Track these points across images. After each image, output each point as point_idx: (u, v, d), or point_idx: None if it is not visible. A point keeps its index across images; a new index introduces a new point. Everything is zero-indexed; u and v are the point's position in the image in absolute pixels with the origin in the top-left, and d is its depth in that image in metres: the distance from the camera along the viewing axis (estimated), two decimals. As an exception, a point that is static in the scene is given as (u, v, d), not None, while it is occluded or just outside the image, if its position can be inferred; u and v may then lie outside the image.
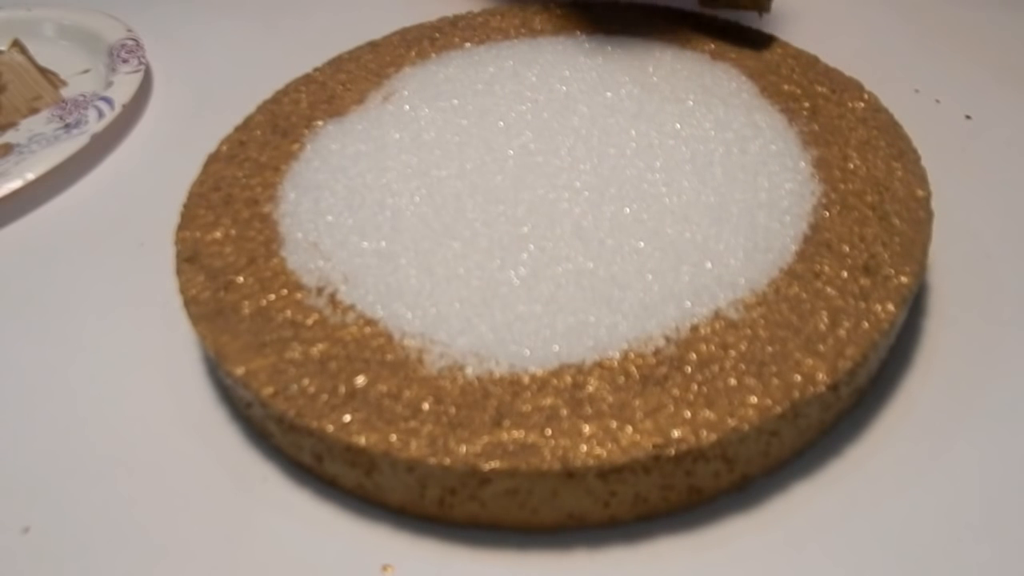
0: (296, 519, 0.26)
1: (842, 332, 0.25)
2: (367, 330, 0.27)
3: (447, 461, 0.23)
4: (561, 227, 0.29)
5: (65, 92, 0.45)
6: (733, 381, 0.24)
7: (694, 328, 0.26)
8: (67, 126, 0.41)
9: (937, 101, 0.38)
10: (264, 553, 0.25)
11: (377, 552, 0.25)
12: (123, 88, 0.42)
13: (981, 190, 0.34)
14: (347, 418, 0.24)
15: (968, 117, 0.37)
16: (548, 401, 0.24)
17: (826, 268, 0.27)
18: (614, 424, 0.23)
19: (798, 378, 0.24)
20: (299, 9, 0.50)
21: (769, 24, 0.38)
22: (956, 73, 0.40)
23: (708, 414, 0.23)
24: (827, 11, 0.45)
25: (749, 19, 0.39)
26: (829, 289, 0.27)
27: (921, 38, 0.42)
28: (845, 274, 0.27)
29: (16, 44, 0.47)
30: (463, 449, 0.23)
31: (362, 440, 0.24)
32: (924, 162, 0.31)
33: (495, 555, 0.24)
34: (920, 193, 0.29)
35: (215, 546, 0.25)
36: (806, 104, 0.34)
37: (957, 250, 0.31)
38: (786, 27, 0.38)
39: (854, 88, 0.34)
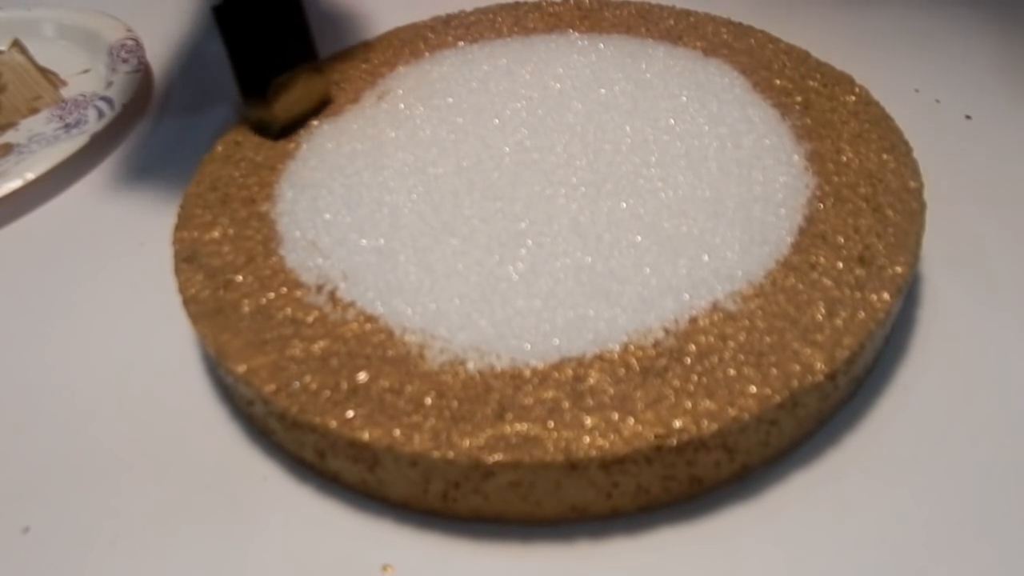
0: (297, 517, 0.26)
1: (839, 322, 0.26)
2: (368, 327, 0.27)
3: (451, 455, 0.23)
4: (559, 223, 0.29)
5: (65, 92, 0.45)
6: (732, 372, 0.24)
7: (693, 320, 0.26)
8: (67, 126, 0.41)
9: (937, 101, 0.38)
10: (265, 551, 0.25)
11: (378, 550, 0.25)
12: (123, 88, 0.42)
13: (980, 189, 0.34)
14: (350, 414, 0.24)
15: (968, 117, 0.37)
16: (550, 394, 0.24)
17: (821, 259, 0.28)
18: (616, 416, 0.24)
19: (796, 368, 0.24)
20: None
21: (766, 23, 0.38)
22: (956, 73, 0.40)
23: (708, 404, 0.24)
24: (827, 10, 0.45)
25: (740, 17, 0.39)
26: (825, 280, 0.27)
27: (921, 38, 0.43)
28: (840, 265, 0.27)
29: (16, 44, 0.47)
30: (466, 443, 0.23)
31: (365, 435, 0.24)
32: (924, 161, 0.31)
33: (498, 548, 0.25)
34: (912, 184, 0.30)
35: (215, 545, 0.25)
36: (798, 98, 0.34)
37: (955, 248, 0.32)
38: (785, 27, 0.38)
39: (845, 82, 0.35)
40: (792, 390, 0.24)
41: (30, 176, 0.37)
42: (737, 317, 0.26)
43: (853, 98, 0.34)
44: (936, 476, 0.25)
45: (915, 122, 0.33)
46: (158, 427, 0.28)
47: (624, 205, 0.29)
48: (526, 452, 0.23)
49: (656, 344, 0.25)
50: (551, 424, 0.24)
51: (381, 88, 0.37)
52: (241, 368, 0.26)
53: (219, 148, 0.35)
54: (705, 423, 0.23)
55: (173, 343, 0.31)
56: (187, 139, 0.40)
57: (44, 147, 0.39)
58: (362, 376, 0.25)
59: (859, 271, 0.27)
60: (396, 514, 0.25)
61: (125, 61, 0.43)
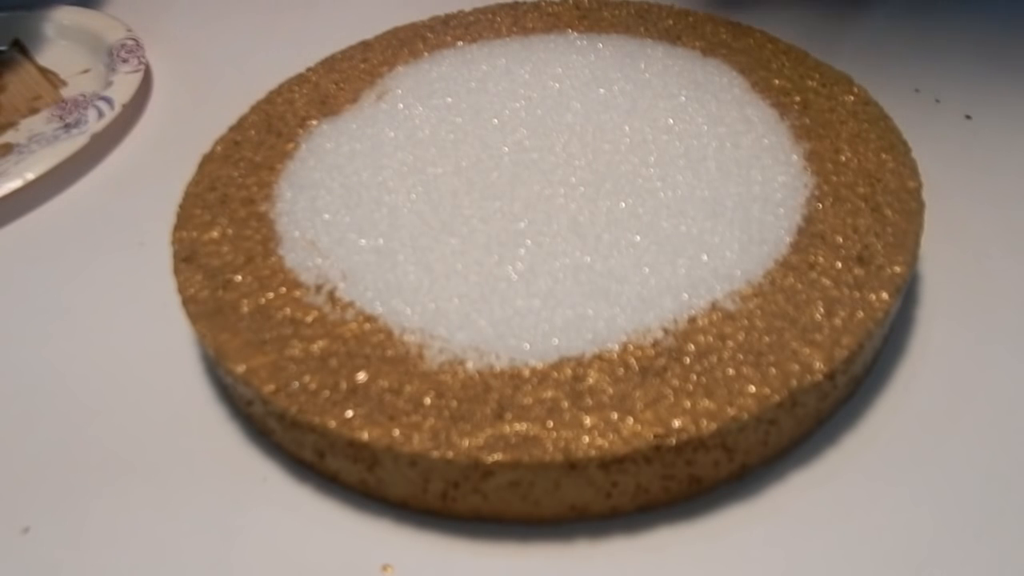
0: (297, 517, 0.26)
1: (838, 321, 0.26)
2: (367, 326, 0.27)
3: (450, 454, 0.23)
4: (557, 222, 0.29)
5: (65, 92, 0.45)
6: (731, 371, 0.24)
7: (692, 320, 0.26)
8: (67, 126, 0.41)
9: (937, 101, 0.38)
10: (265, 552, 0.25)
11: (377, 550, 0.25)
12: (123, 88, 0.42)
13: (980, 189, 0.34)
14: (349, 414, 0.24)
15: (968, 117, 0.37)
16: (549, 394, 0.24)
17: (820, 259, 0.28)
18: (615, 415, 0.24)
19: (795, 367, 0.24)
20: (295, 8, 0.50)
21: (765, 22, 0.38)
22: (956, 73, 0.40)
23: (707, 404, 0.24)
24: (827, 10, 0.45)
25: (738, 17, 0.39)
26: (824, 279, 0.27)
27: (921, 38, 0.43)
28: (839, 264, 0.27)
29: (16, 44, 0.47)
30: (466, 442, 0.23)
31: (364, 435, 0.24)
32: (924, 161, 0.31)
33: (497, 548, 0.25)
34: (911, 184, 0.30)
35: (215, 545, 0.25)
36: (797, 98, 0.34)
37: (954, 248, 0.32)
38: (784, 26, 0.38)
39: (844, 82, 0.35)
40: (791, 389, 0.24)
41: (30, 176, 0.37)
42: (736, 317, 0.26)
43: (852, 98, 0.34)
44: (935, 475, 0.25)
45: (915, 122, 0.33)
46: (157, 427, 0.28)
47: (623, 205, 0.29)
48: (525, 452, 0.23)
49: (655, 344, 0.25)
50: (550, 424, 0.24)
51: (380, 88, 0.37)
52: (240, 368, 0.26)
53: (218, 148, 0.35)
54: (704, 423, 0.23)
55: (172, 343, 0.31)
56: (186, 139, 0.40)
57: (44, 147, 0.39)
58: (361, 376, 0.25)
59: (858, 271, 0.27)
60: (395, 514, 0.25)
61: (125, 61, 0.43)
